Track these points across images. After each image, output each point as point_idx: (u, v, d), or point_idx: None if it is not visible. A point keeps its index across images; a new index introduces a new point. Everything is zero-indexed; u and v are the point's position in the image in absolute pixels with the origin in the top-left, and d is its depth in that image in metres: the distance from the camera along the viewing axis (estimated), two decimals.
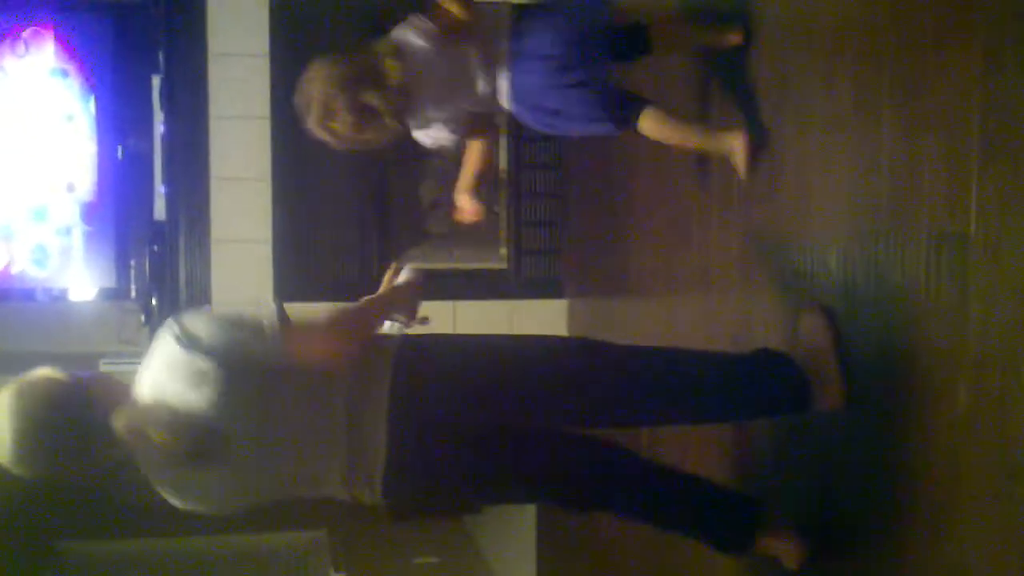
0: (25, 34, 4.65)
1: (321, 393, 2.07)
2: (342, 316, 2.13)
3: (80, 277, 4.82)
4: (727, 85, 3.03)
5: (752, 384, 2.34)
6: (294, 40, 4.51)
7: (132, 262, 4.78)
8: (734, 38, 2.89)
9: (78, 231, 4.76)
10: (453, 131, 2.75)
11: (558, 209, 4.83)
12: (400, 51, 2.61)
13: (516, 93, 2.73)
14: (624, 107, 2.78)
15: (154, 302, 4.69)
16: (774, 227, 2.82)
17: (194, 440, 1.92)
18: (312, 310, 2.12)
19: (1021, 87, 1.84)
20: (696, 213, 3.38)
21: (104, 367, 4.72)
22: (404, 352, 2.14)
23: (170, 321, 2.02)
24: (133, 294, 4.79)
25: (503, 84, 2.73)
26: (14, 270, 4.75)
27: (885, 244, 2.25)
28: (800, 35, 2.66)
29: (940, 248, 2.06)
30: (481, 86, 2.73)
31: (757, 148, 2.78)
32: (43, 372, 1.98)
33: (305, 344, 2.03)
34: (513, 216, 4.83)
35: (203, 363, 1.94)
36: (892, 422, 2.22)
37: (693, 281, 3.44)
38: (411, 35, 2.64)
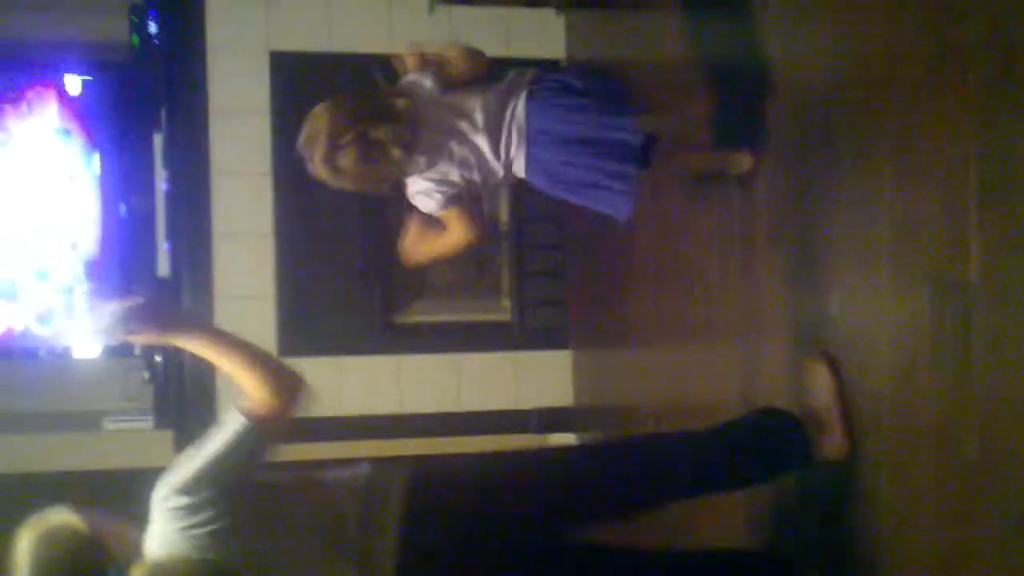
0: (29, 95, 4.70)
1: (329, 514, 2.06)
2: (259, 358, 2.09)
3: (83, 335, 4.81)
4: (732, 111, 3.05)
5: (756, 451, 2.34)
6: (295, 97, 4.54)
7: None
8: (746, 162, 2.87)
9: (81, 289, 4.77)
10: (443, 193, 2.64)
11: (560, 259, 4.82)
12: (410, 91, 2.62)
13: (534, 165, 2.66)
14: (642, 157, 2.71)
15: (158, 359, 4.68)
16: (775, 277, 2.81)
17: None
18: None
19: (1017, 136, 1.85)
20: (699, 263, 3.38)
21: (109, 425, 4.73)
22: (417, 476, 2.13)
23: (160, 483, 1.96)
24: (137, 351, 4.78)
25: (518, 153, 2.65)
26: (18, 329, 4.76)
27: (887, 293, 2.25)
28: (798, 89, 2.67)
29: (943, 297, 2.05)
30: (490, 143, 2.64)
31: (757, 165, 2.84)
32: (63, 519, 1.97)
33: (276, 413, 2.01)
34: (515, 267, 4.82)
35: (202, 506, 1.92)
36: (899, 472, 2.21)
37: (698, 331, 3.43)
38: (421, 77, 2.66)
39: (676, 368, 3.66)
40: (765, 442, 2.36)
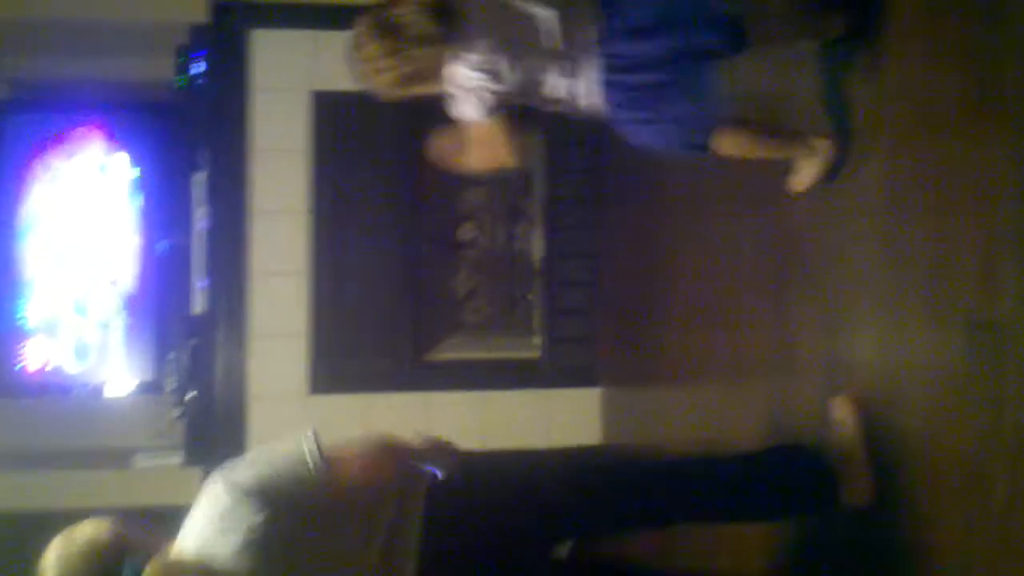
0: (73, 133, 4.82)
1: (364, 527, 2.05)
2: (380, 446, 2.12)
3: (118, 371, 4.87)
4: (812, 87, 2.73)
5: (778, 485, 2.34)
6: (334, 136, 4.66)
7: (170, 356, 4.83)
8: (837, 26, 2.54)
9: (118, 325, 4.83)
10: (492, 94, 2.33)
11: (591, 297, 4.87)
12: None
13: (604, 81, 2.32)
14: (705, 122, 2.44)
15: (190, 396, 4.72)
16: (807, 316, 2.81)
17: None
18: (345, 441, 2.10)
19: None
20: (728, 300, 3.39)
21: (139, 462, 4.74)
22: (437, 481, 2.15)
23: (216, 475, 1.97)
24: (169, 387, 4.82)
25: (587, 70, 2.33)
26: (53, 364, 4.81)
27: (919, 332, 2.24)
28: (827, 120, 2.65)
29: (975, 335, 2.03)
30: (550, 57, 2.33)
31: (838, 162, 2.54)
32: (90, 527, 1.97)
33: (349, 476, 2.02)
34: (546, 305, 4.86)
35: (255, 516, 1.89)
36: (929, 513, 2.19)
37: (728, 370, 3.43)
38: None
39: (705, 407, 3.65)
40: (789, 478, 2.35)
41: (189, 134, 4.68)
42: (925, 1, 2.29)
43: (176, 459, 4.71)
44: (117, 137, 4.85)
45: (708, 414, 3.62)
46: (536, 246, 4.89)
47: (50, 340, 4.81)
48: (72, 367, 4.85)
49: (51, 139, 4.80)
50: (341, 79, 4.63)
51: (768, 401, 3.05)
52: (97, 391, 4.90)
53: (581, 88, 2.35)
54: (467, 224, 4.91)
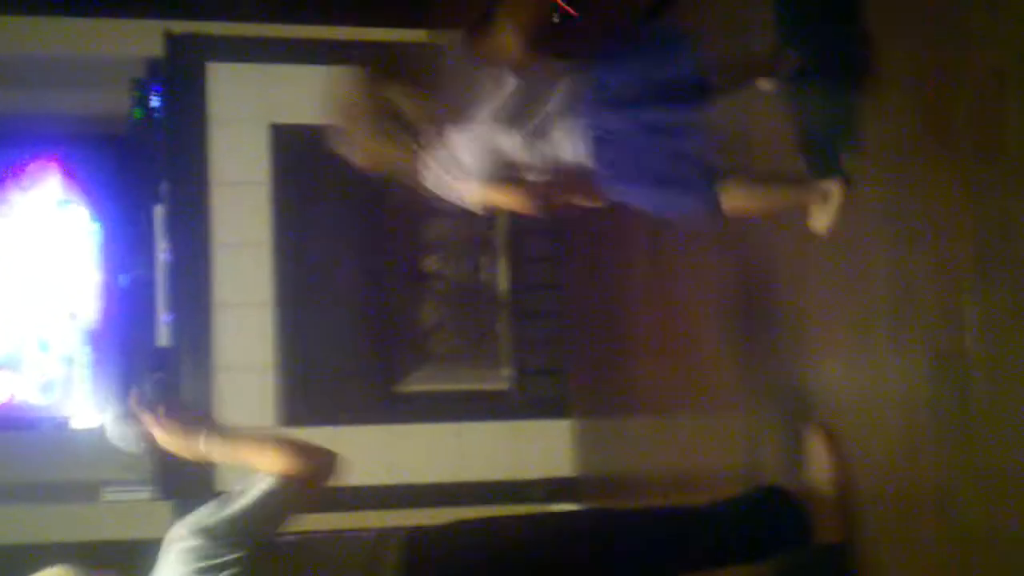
0: (31, 168, 4.76)
1: None
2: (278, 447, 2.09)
3: (83, 405, 4.82)
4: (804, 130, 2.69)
5: (753, 529, 2.36)
6: (295, 169, 4.59)
7: (134, 389, 4.77)
8: (792, 60, 2.54)
9: (81, 359, 4.79)
10: (479, 175, 2.33)
11: (558, 329, 4.83)
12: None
13: (593, 147, 2.30)
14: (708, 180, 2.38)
15: None
16: (775, 346, 2.82)
17: None
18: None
19: (1011, 205, 1.87)
20: (698, 333, 3.39)
21: (107, 495, 4.70)
22: (414, 543, 2.14)
23: (179, 528, 1.96)
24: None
25: (571, 135, 2.31)
26: (18, 400, 4.76)
27: (885, 362, 2.26)
28: (791, 152, 2.66)
29: (941, 366, 2.06)
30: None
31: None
32: (59, 571, 1.96)
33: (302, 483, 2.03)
34: (514, 336, 4.82)
35: (226, 549, 1.92)
36: (901, 543, 2.21)
37: (698, 401, 3.43)
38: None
39: (677, 437, 3.65)
40: (763, 522, 2.37)
41: (148, 167, 4.64)
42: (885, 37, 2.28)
43: (145, 493, 4.68)
44: (74, 171, 4.79)
45: (680, 445, 3.61)
46: (502, 277, 4.86)
47: (14, 375, 4.76)
48: (37, 401, 4.81)
49: (7, 174, 4.73)
50: (300, 113, 4.68)
51: (740, 431, 3.06)
52: (63, 424, 4.86)
53: (568, 154, 2.33)
54: (432, 255, 4.85)
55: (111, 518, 4.64)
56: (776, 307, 2.80)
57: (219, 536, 1.91)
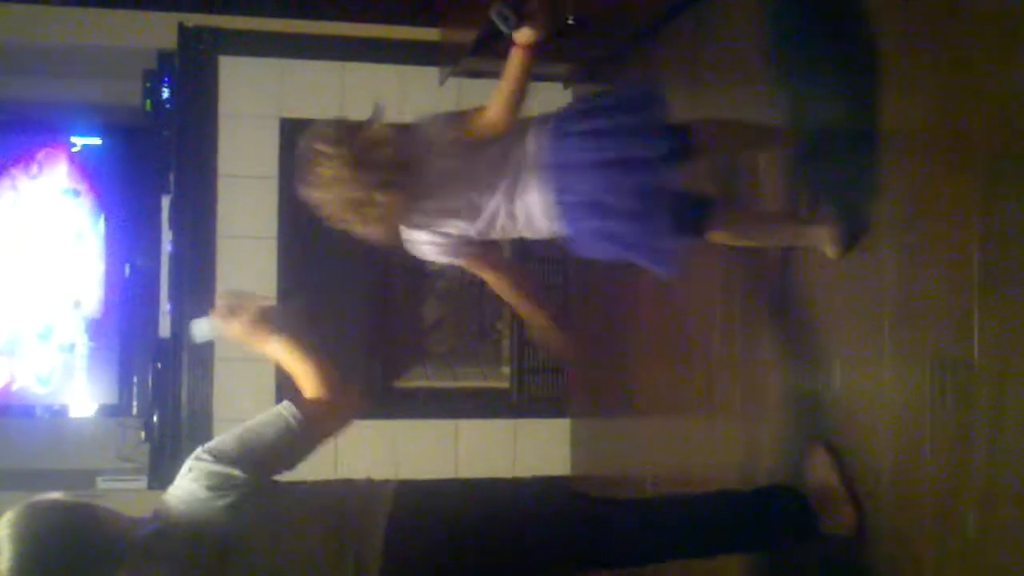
0: (39, 155, 4.76)
1: (331, 521, 2.11)
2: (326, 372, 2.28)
3: (82, 394, 4.82)
4: (800, 172, 2.73)
5: (756, 517, 2.36)
6: None
7: (135, 379, 4.79)
8: (789, 142, 2.62)
9: (82, 348, 4.78)
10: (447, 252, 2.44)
11: (560, 327, 4.82)
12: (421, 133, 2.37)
13: (562, 210, 2.32)
14: (693, 214, 2.39)
15: (155, 419, 4.68)
16: (777, 351, 2.83)
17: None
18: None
19: (1018, 216, 1.88)
20: (700, 335, 3.39)
21: (102, 484, 4.70)
22: (402, 497, 2.18)
23: (199, 450, 2.08)
24: (135, 411, 4.78)
25: (540, 199, 2.32)
26: (16, 387, 4.75)
27: (888, 370, 2.26)
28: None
29: (944, 374, 2.06)
30: (499, 201, 2.35)
31: (850, 236, 2.43)
32: (51, 496, 2.00)
33: (325, 420, 2.20)
34: (515, 335, 4.83)
35: (238, 473, 2.01)
36: (900, 549, 2.21)
37: (698, 402, 3.43)
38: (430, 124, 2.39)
39: (675, 439, 3.66)
40: (767, 511, 2.38)
41: (157, 158, 4.64)
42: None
43: (141, 482, 4.68)
44: (83, 160, 4.79)
45: (679, 447, 3.62)
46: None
47: (13, 361, 4.75)
48: (36, 388, 4.79)
49: (16, 160, 4.73)
50: (310, 108, 4.71)
51: (739, 434, 3.07)
52: (61, 413, 4.85)
53: (539, 221, 2.38)
54: None
55: None
56: (780, 313, 2.80)
57: (230, 462, 2.02)
